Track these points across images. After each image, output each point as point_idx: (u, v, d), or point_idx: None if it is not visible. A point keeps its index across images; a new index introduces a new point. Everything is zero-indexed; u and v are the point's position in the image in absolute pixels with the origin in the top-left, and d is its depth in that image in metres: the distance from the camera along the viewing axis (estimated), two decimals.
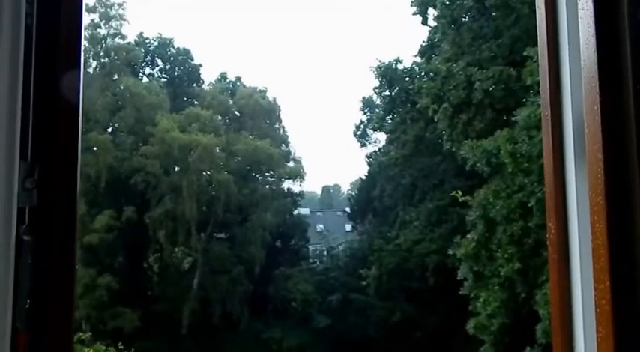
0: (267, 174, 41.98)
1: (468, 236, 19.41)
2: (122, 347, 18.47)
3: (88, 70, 38.27)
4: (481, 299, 18.73)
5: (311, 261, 43.88)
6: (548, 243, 1.73)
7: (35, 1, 1.56)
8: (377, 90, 34.09)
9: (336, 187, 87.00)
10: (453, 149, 23.80)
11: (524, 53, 18.92)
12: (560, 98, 1.70)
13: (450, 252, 21.26)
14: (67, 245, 1.47)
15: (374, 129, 40.60)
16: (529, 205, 17.23)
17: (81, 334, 15.27)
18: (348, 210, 47.23)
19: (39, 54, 1.55)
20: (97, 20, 38.50)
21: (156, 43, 44.67)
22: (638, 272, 1.26)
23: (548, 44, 1.73)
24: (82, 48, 1.64)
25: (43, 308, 1.42)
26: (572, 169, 1.64)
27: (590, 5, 1.39)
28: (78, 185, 1.51)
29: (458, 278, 20.43)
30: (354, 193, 48.80)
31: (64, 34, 1.59)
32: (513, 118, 18.30)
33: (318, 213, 61.45)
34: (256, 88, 43.94)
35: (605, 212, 1.30)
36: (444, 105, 22.70)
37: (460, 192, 20.21)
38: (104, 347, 16.66)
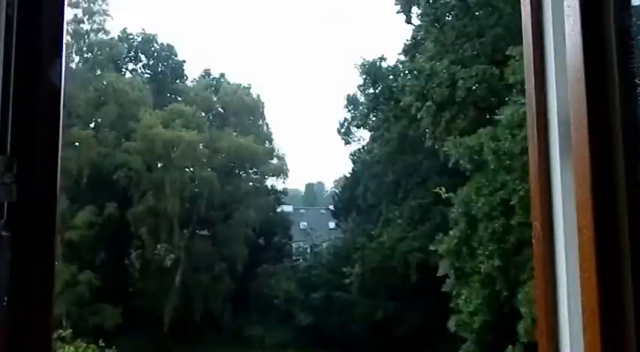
0: (250, 171, 41.89)
1: (450, 232, 19.49)
2: (103, 344, 18.35)
3: (70, 65, 37.97)
4: (463, 297, 18.80)
5: (294, 258, 43.84)
6: (533, 240, 1.71)
7: None
8: (361, 87, 34.12)
9: (320, 185, 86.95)
10: (436, 146, 23.91)
11: (507, 52, 19.02)
12: (546, 95, 1.69)
13: (432, 248, 21.32)
14: (46, 241, 1.43)
15: (358, 127, 40.62)
16: (511, 203, 17.33)
17: (61, 331, 15.13)
18: (331, 207, 47.25)
19: (20, 44, 1.51)
20: (80, 15, 38.23)
21: (139, 39, 44.43)
22: (626, 271, 1.25)
23: (533, 42, 1.72)
24: (64, 39, 1.61)
25: (21, 305, 1.39)
26: (557, 166, 1.63)
27: (576, 2, 1.38)
28: (58, 180, 1.48)
29: (439, 275, 20.50)
30: (337, 191, 48.85)
31: (46, 25, 1.56)
32: (496, 117, 18.40)
33: (302, 211, 61.32)
34: (240, 84, 43.85)
35: (592, 210, 1.29)
36: (428, 103, 22.76)
37: (443, 189, 20.31)
38: (85, 345, 16.53)
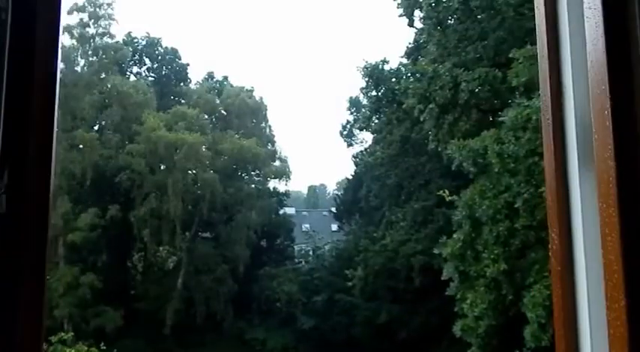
0: (253, 173, 41.90)
1: (454, 235, 19.36)
2: (104, 347, 18.24)
3: (75, 68, 38.13)
4: (468, 301, 18.63)
5: (296, 260, 43.75)
6: (550, 254, 1.62)
7: None
8: (363, 90, 34.04)
9: (322, 187, 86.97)
10: (439, 149, 23.84)
11: (510, 55, 18.97)
12: (563, 102, 1.61)
13: (436, 251, 21.20)
14: (38, 255, 1.36)
15: (360, 129, 40.62)
16: (515, 206, 17.22)
17: (62, 334, 15.02)
18: (334, 209, 47.19)
19: (13, 50, 1.45)
20: (85, 19, 38.38)
21: (144, 42, 44.75)
22: None
23: (548, 45, 1.63)
24: (60, 45, 1.54)
25: (10, 321, 1.32)
26: (575, 176, 1.54)
27: (597, 3, 1.31)
28: (51, 190, 1.40)
29: (443, 279, 20.37)
30: (340, 193, 48.84)
31: (40, 31, 1.49)
32: (500, 119, 18.31)
33: (304, 213, 61.35)
34: (243, 87, 43.91)
35: (619, 224, 1.20)
36: (430, 105, 22.67)
37: (447, 192, 20.23)
38: (86, 348, 16.44)
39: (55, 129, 1.44)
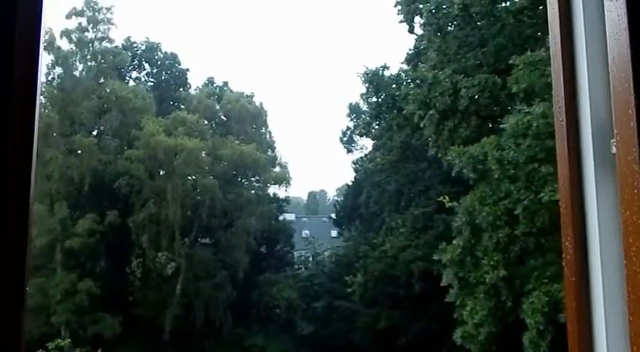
0: (252, 179, 41.82)
1: (454, 242, 19.29)
2: None
3: (74, 72, 38.04)
4: (467, 308, 18.56)
5: (296, 266, 43.67)
6: (564, 263, 1.53)
7: None
8: (364, 96, 34.02)
9: (322, 193, 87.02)
10: (439, 155, 23.79)
11: (510, 61, 18.95)
12: (577, 102, 1.52)
13: (435, 257, 21.14)
14: (17, 266, 1.27)
15: (360, 135, 40.54)
16: (515, 212, 17.15)
17: (59, 341, 14.94)
18: (333, 215, 47.12)
19: None
20: (84, 24, 38.29)
21: (143, 47, 44.69)
22: None
23: (562, 42, 1.54)
24: (42, 43, 1.45)
25: None
26: (591, 182, 1.45)
27: None
28: (32, 196, 1.31)
29: (443, 285, 20.30)
30: (339, 199, 48.77)
31: (21, 27, 1.41)
32: (501, 126, 18.27)
33: (304, 219, 61.30)
34: (243, 92, 43.89)
35: None
36: (430, 111, 22.63)
37: (447, 198, 20.19)
38: None
39: (37, 125, 1.35)
